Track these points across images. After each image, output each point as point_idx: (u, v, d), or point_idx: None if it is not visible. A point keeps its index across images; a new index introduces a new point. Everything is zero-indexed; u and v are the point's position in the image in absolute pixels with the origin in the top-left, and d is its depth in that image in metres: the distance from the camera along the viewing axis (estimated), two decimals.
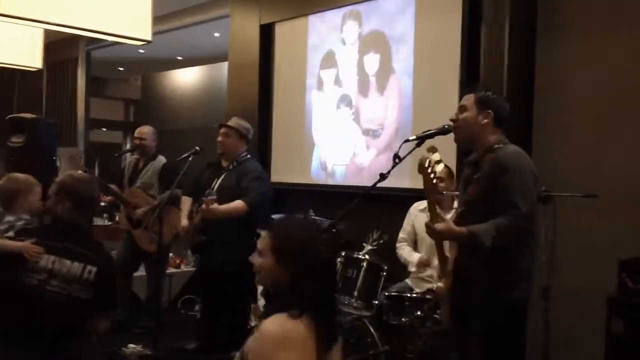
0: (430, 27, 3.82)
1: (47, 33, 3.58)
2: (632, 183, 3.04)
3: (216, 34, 6.56)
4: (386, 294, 3.09)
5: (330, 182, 4.43)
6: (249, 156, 3.51)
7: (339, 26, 4.40)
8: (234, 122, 3.51)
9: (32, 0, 2.47)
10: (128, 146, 9.26)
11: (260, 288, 3.28)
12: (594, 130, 3.19)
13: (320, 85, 4.56)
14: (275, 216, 1.67)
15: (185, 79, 9.48)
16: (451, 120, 2.29)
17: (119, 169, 4.36)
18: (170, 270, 4.88)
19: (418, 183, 3.54)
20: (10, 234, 2.40)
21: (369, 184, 2.33)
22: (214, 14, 5.65)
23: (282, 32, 4.81)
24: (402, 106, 3.96)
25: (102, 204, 5.40)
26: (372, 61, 4.18)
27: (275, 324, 1.39)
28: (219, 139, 3.45)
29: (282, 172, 4.77)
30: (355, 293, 3.06)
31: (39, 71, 4.56)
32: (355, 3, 4.22)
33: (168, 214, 3.69)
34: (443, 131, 2.30)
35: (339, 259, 3.13)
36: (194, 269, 4.75)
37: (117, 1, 2.63)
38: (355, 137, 4.29)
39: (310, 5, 4.53)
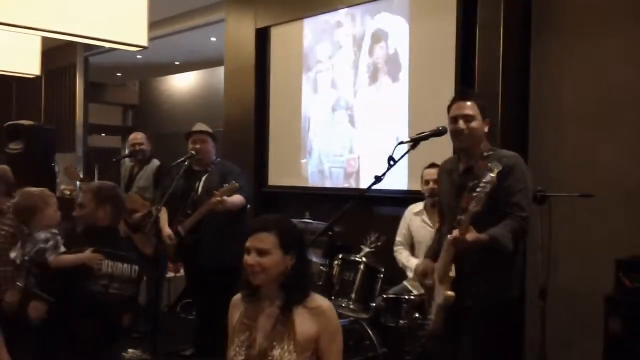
0: (425, 30, 3.83)
1: (45, 40, 3.59)
2: (627, 182, 3.05)
3: (213, 39, 6.57)
4: (384, 296, 3.09)
5: (327, 185, 4.43)
6: (219, 158, 3.71)
7: (334, 29, 4.41)
8: (204, 127, 3.62)
9: (28, 8, 2.47)
10: (127, 151, 9.28)
11: None
12: (589, 130, 3.20)
13: (315, 88, 4.57)
14: (258, 219, 1.77)
15: (183, 84, 9.50)
16: (459, 129, 2.29)
17: (117, 175, 4.39)
18: (170, 274, 4.89)
19: (415, 185, 3.59)
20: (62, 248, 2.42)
21: (366, 186, 2.34)
22: (210, 19, 5.67)
23: (278, 36, 4.82)
24: (398, 108, 3.97)
25: None
26: (368, 64, 4.19)
27: (322, 299, 1.68)
28: (197, 145, 3.54)
29: (278, 176, 4.78)
30: (353, 295, 3.06)
31: (38, 78, 4.58)
32: (350, 6, 4.24)
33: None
34: (437, 133, 2.31)
35: (336, 262, 3.13)
36: None
37: (113, 7, 2.63)
38: (351, 139, 4.30)
39: (305, 8, 4.54)
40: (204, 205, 3.36)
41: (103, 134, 10.74)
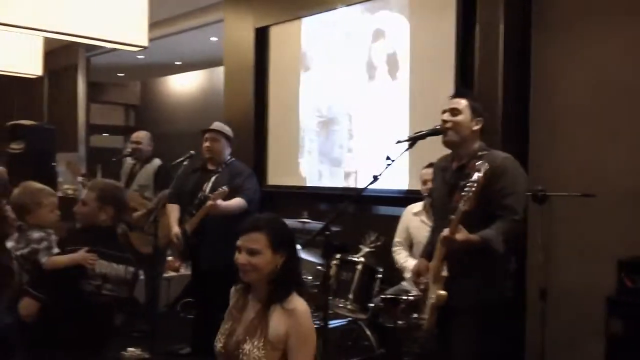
0: (425, 29, 3.82)
1: (47, 40, 3.61)
2: (629, 182, 3.03)
3: (213, 39, 6.57)
4: (382, 296, 3.07)
5: (326, 185, 4.42)
6: (233, 158, 3.65)
7: (333, 28, 4.40)
8: (219, 126, 3.61)
9: (29, 9, 2.47)
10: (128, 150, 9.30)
11: None
12: (591, 129, 3.18)
13: (314, 87, 4.56)
14: (250, 218, 1.80)
15: (184, 84, 9.52)
16: (443, 120, 2.30)
17: (119, 173, 4.40)
18: (170, 273, 4.89)
19: (416, 185, 3.57)
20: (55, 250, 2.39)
21: (364, 186, 2.34)
22: (211, 19, 5.67)
23: (277, 35, 4.82)
24: (398, 108, 3.96)
25: None
26: (367, 63, 4.18)
27: (301, 302, 1.68)
28: (207, 144, 3.55)
29: (277, 175, 4.77)
30: (351, 296, 3.05)
31: (40, 78, 4.60)
32: (349, 5, 4.23)
33: (163, 216, 3.71)
34: (434, 132, 2.31)
35: (334, 262, 3.12)
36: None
37: (113, 8, 2.64)
38: (350, 139, 4.29)
39: (304, 7, 4.54)
40: (202, 207, 3.37)
41: (105, 134, 10.77)
